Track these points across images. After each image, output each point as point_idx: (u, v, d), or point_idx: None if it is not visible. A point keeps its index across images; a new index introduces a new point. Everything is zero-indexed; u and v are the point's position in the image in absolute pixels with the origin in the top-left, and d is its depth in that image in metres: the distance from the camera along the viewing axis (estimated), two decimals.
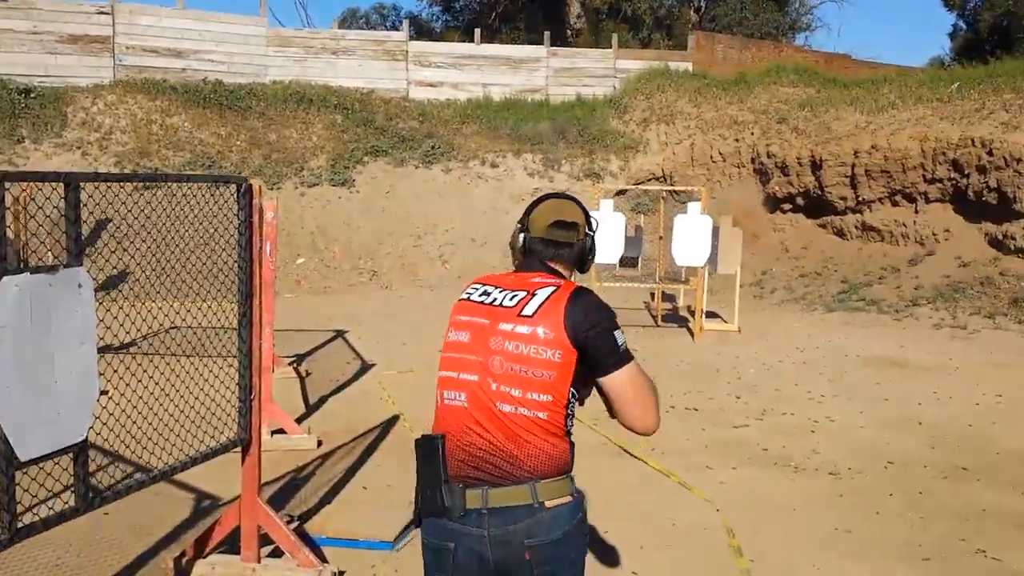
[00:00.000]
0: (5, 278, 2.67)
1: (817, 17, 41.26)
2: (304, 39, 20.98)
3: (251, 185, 3.81)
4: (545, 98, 21.58)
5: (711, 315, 11.68)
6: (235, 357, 3.87)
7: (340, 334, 10.56)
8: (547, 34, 22.43)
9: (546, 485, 2.19)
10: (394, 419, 6.75)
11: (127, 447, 3.58)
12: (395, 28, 27.52)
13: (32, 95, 17.15)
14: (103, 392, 3.12)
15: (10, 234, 2.82)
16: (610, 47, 22.71)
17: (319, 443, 6.07)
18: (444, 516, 2.19)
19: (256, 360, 3.93)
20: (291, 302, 13.81)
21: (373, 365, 8.78)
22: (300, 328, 10.81)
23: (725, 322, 11.48)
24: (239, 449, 3.95)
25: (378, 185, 17.68)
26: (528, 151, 18.94)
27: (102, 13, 18.78)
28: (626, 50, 23.37)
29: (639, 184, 17.98)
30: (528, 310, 2.19)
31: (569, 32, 28.20)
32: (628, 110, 20.46)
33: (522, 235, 2.39)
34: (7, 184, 2.76)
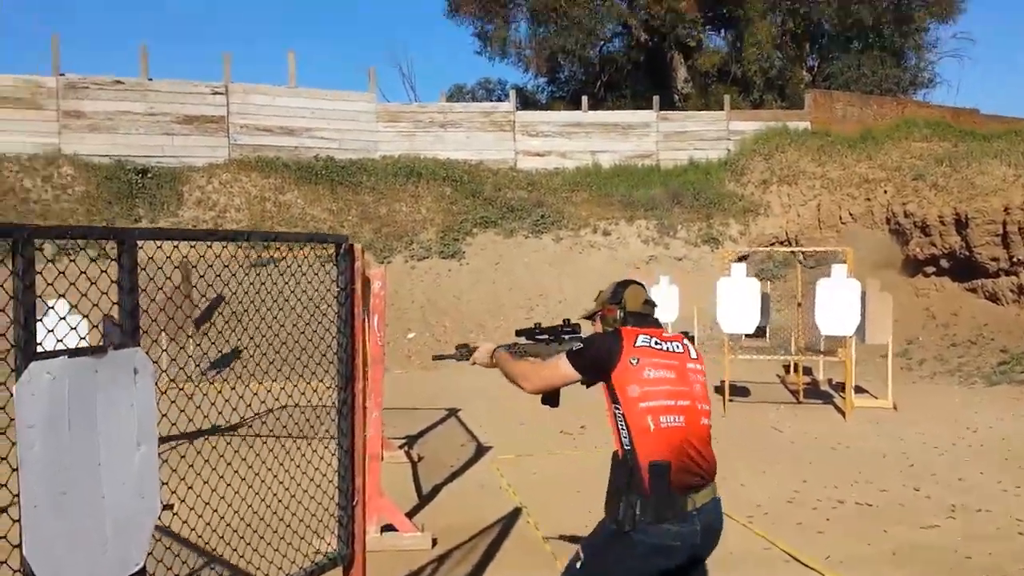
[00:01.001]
0: (33, 364, 2.04)
1: (937, 73, 39.59)
2: (413, 113, 20.93)
3: (352, 245, 3.15)
4: (656, 163, 20.88)
5: (858, 390, 10.51)
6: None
7: (453, 413, 9.88)
8: (656, 99, 21.83)
9: (715, 483, 3.02)
10: (515, 513, 5.94)
11: (204, 552, 2.89)
12: (500, 101, 27.41)
13: (149, 175, 17.45)
14: (167, 506, 2.45)
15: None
16: (721, 109, 21.92)
17: (434, 542, 5.31)
18: (673, 521, 2.81)
19: (360, 454, 3.23)
20: (401, 378, 13.27)
21: (489, 448, 8.02)
22: (411, 407, 10.19)
23: (875, 398, 10.30)
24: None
25: (488, 256, 17.19)
26: (641, 217, 18.19)
27: (217, 93, 19.13)
28: (739, 111, 22.53)
29: (767, 247, 16.92)
30: (692, 353, 3.08)
31: (676, 97, 27.54)
32: (745, 172, 19.53)
33: (620, 310, 3.14)
34: (39, 241, 2.15)
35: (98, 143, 17.86)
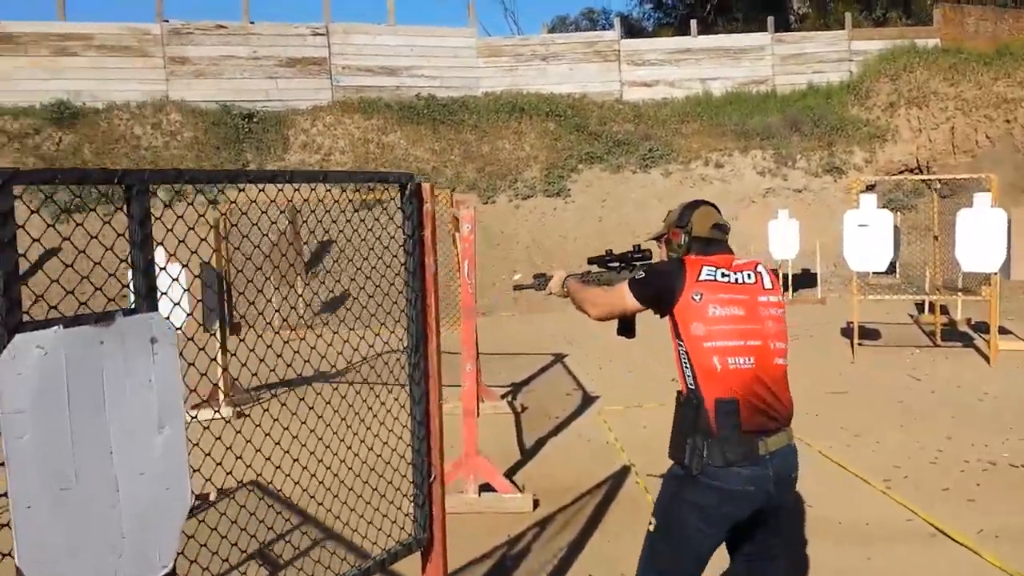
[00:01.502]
0: (18, 337, 1.68)
1: None
2: (514, 47, 20.26)
3: (420, 185, 2.70)
4: (772, 89, 19.66)
5: (1002, 332, 9.58)
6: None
7: (559, 359, 9.48)
8: (770, 20, 20.50)
9: (791, 428, 2.79)
10: (623, 472, 5.49)
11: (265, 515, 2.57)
12: (604, 30, 26.39)
13: (255, 119, 17.44)
14: (200, 497, 2.09)
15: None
16: (841, 28, 20.43)
17: (535, 504, 4.93)
18: (743, 464, 2.60)
19: (436, 425, 2.82)
20: (507, 322, 12.96)
21: (596, 398, 7.58)
22: (516, 351, 9.84)
23: (1022, 340, 9.36)
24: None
25: (594, 193, 16.58)
26: (756, 147, 17.18)
27: (317, 34, 18.90)
28: (862, 30, 20.96)
29: (895, 175, 15.75)
30: (767, 284, 2.81)
31: (792, 18, 25.95)
32: (870, 95, 18.17)
33: (685, 235, 2.88)
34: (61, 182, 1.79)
35: (204, 88, 17.92)
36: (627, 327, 3.13)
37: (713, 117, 18.32)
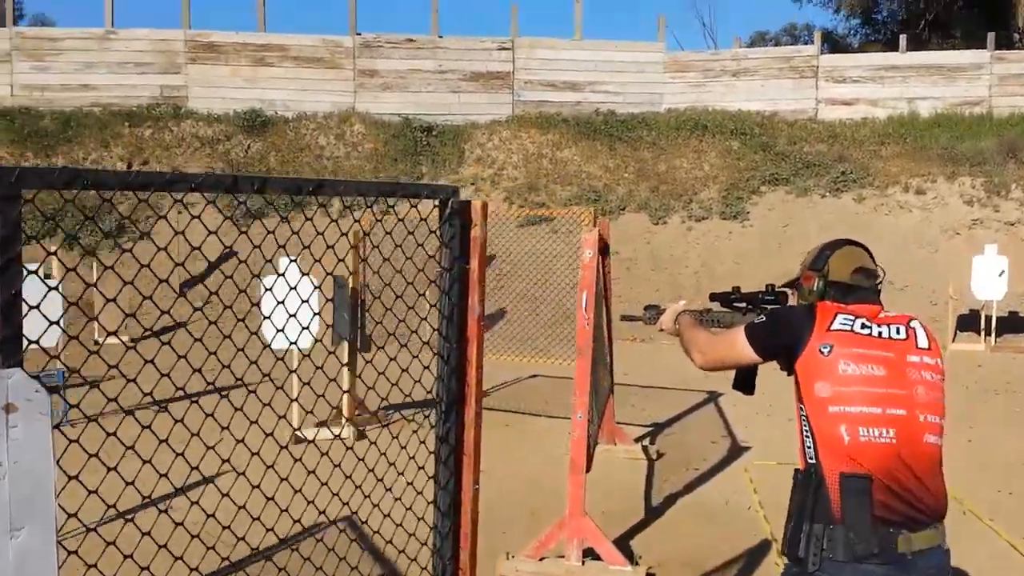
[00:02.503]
0: None
1: None
2: (703, 62, 19.43)
3: (466, 203, 2.21)
4: (987, 111, 17.82)
5: None
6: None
7: (713, 397, 8.71)
8: (991, 36, 18.59)
9: (944, 526, 2.19)
10: (762, 548, 4.76)
11: None
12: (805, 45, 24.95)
13: (434, 132, 17.55)
14: None
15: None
16: None
17: None
18: (876, 561, 2.09)
19: (466, 525, 2.31)
20: (668, 352, 12.21)
21: (746, 449, 6.81)
22: (667, 386, 9.15)
23: None
24: None
25: (775, 218, 15.50)
26: (965, 174, 15.53)
27: (503, 49, 18.83)
28: None
29: None
30: (921, 342, 2.27)
31: (1016, 36, 23.57)
32: None
33: (820, 279, 2.42)
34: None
35: (389, 101, 18.24)
36: (745, 381, 2.64)
37: (917, 140, 16.77)
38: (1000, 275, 11.73)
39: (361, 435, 7.02)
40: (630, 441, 6.54)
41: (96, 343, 11.82)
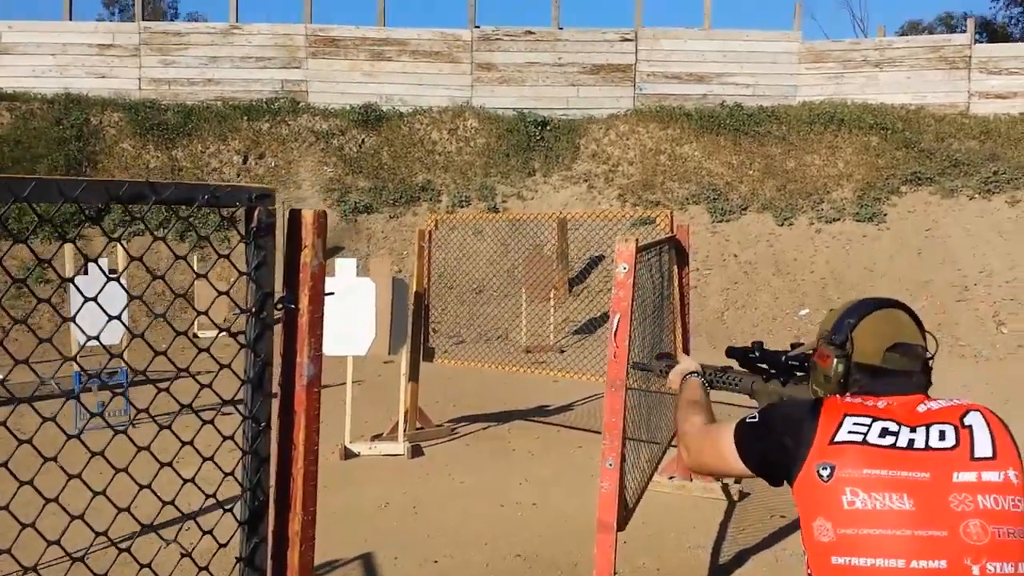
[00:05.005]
0: None
1: None
2: (842, 52, 18.04)
3: (294, 212, 1.58)
4: None
5: None
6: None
7: None
8: None
9: None
10: None
11: None
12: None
13: (548, 127, 16.96)
14: None
15: None
16: None
17: None
18: None
19: None
20: None
21: None
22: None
23: None
24: None
25: (916, 221, 14.11)
26: None
27: (625, 40, 18.04)
28: None
29: None
30: (981, 449, 1.52)
31: None
32: None
33: (840, 360, 1.72)
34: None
35: (505, 95, 17.77)
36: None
37: None
38: None
39: (417, 451, 6.50)
40: (711, 479, 5.74)
41: (195, 335, 11.84)
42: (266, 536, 1.58)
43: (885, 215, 14.31)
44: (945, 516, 1.48)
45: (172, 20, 31.08)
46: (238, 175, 15.73)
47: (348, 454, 6.32)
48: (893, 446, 1.54)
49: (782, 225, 14.46)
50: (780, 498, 5.65)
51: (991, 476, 1.51)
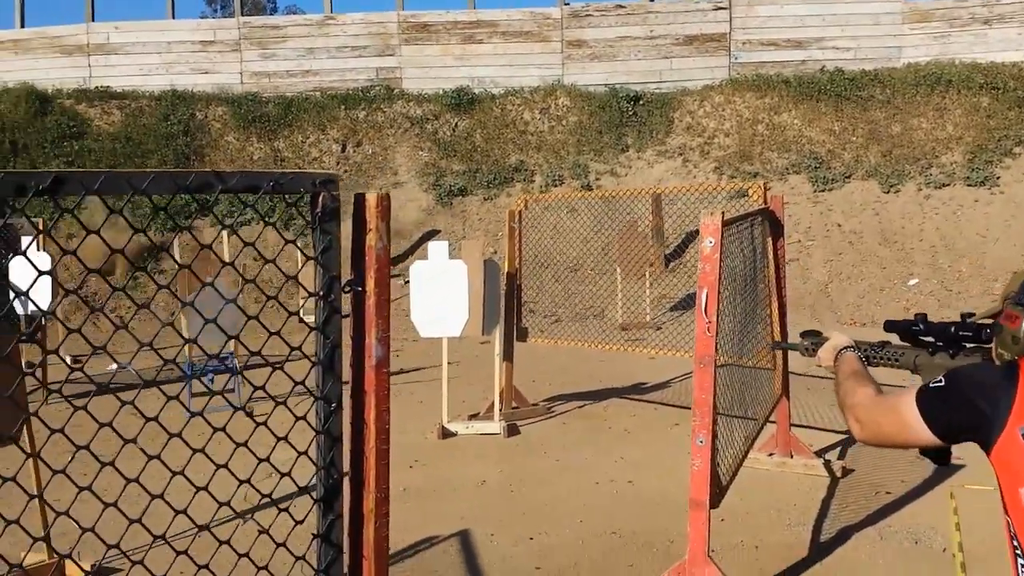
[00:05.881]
0: None
1: None
2: (948, 10, 17.17)
3: (359, 197, 1.61)
4: None
5: None
6: None
7: None
8: None
9: None
10: None
11: None
12: None
13: (641, 102, 16.74)
14: None
15: None
16: None
17: None
18: None
19: None
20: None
21: (959, 468, 5.65)
22: (889, 383, 7.96)
23: None
24: None
25: None
26: None
27: (719, 8, 17.62)
28: None
29: None
30: None
31: None
32: None
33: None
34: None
35: (597, 71, 17.61)
36: (938, 451, 1.82)
37: None
38: None
39: (513, 430, 6.56)
40: (810, 453, 5.60)
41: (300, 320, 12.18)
42: (341, 513, 1.62)
43: (998, 178, 13.62)
44: None
45: (271, 14, 31.85)
46: (337, 163, 16.07)
47: (446, 433, 6.43)
48: None
49: (888, 192, 13.93)
50: (886, 473, 5.49)
51: None
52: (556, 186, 15.45)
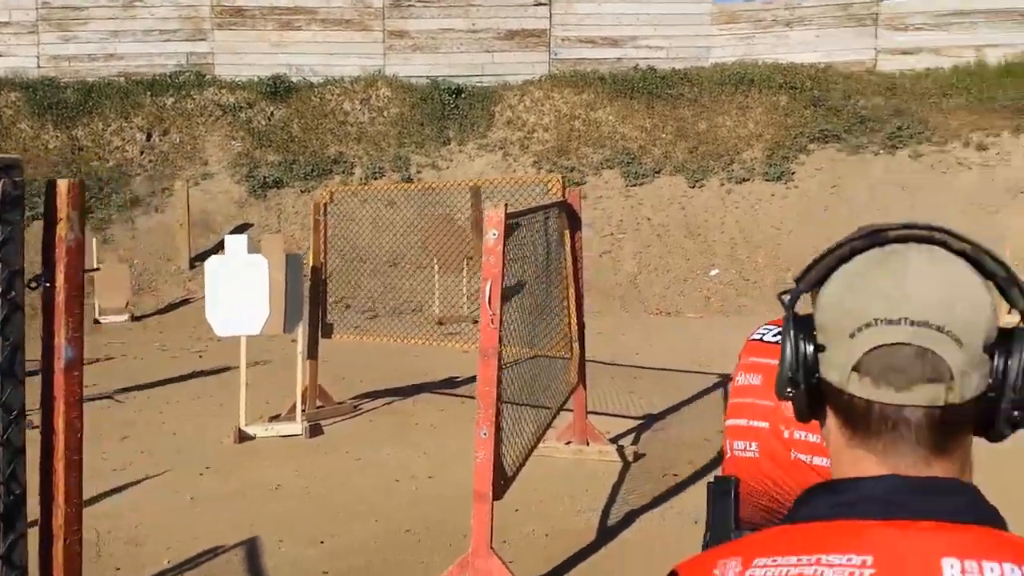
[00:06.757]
0: None
1: None
2: (754, 12, 18.12)
3: (49, 183, 1.49)
4: None
5: None
6: None
7: (725, 381, 7.86)
8: None
9: None
10: None
11: None
12: None
13: (462, 95, 16.78)
14: None
15: None
16: None
17: None
18: None
19: None
20: (695, 325, 11.35)
21: None
22: (679, 368, 8.33)
23: None
24: None
25: (823, 178, 14.37)
26: None
27: (539, 4, 17.87)
28: None
29: None
30: None
31: None
32: None
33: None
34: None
35: (419, 63, 17.49)
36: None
37: (984, 91, 15.38)
38: None
39: (316, 431, 6.41)
40: (604, 440, 5.76)
41: (96, 321, 11.48)
42: (25, 532, 1.49)
43: (793, 174, 14.54)
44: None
45: None
46: (141, 153, 15.25)
47: (243, 437, 6.20)
48: (768, 341, 1.88)
49: (694, 187, 14.59)
50: (674, 456, 5.72)
51: None
52: (377, 178, 15.26)
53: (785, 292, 0.95)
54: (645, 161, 15.19)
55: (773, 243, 13.11)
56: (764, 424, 1.87)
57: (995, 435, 0.86)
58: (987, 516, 0.80)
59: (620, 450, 5.66)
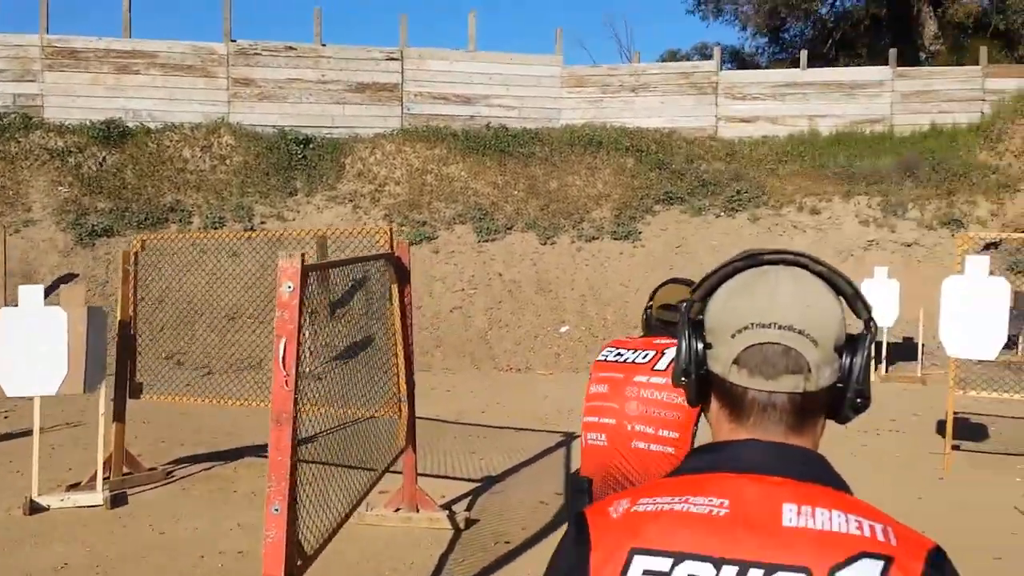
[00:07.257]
0: None
1: None
2: (601, 77, 18.63)
3: None
4: (888, 129, 17.38)
5: None
6: None
7: (569, 440, 7.68)
8: (893, 52, 18.19)
9: None
10: None
11: None
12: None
13: (311, 146, 16.36)
14: None
15: None
16: (976, 64, 17.93)
17: None
18: None
19: None
20: (545, 382, 11.20)
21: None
22: (530, 427, 8.10)
23: None
24: None
25: (668, 238, 14.68)
26: (862, 193, 14.94)
27: (391, 59, 17.75)
28: (999, 66, 18.37)
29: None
30: (660, 365, 2.59)
31: (923, 55, 23.46)
32: (1003, 139, 15.69)
33: (646, 314, 2.86)
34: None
35: (266, 112, 16.99)
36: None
37: (816, 158, 16.19)
38: (891, 299, 11.04)
39: (120, 500, 5.78)
40: (435, 506, 5.40)
41: None
42: None
43: (640, 233, 14.78)
44: (619, 397, 2.56)
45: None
46: None
47: (35, 508, 5.52)
48: (610, 360, 2.68)
49: (545, 244, 14.61)
50: (508, 522, 5.43)
51: (657, 380, 2.52)
52: (216, 227, 14.55)
53: (682, 301, 1.20)
54: (497, 217, 15.14)
55: (621, 300, 13.20)
56: (611, 421, 2.55)
57: (842, 418, 1.09)
58: (830, 479, 1.00)
59: (451, 516, 5.32)
